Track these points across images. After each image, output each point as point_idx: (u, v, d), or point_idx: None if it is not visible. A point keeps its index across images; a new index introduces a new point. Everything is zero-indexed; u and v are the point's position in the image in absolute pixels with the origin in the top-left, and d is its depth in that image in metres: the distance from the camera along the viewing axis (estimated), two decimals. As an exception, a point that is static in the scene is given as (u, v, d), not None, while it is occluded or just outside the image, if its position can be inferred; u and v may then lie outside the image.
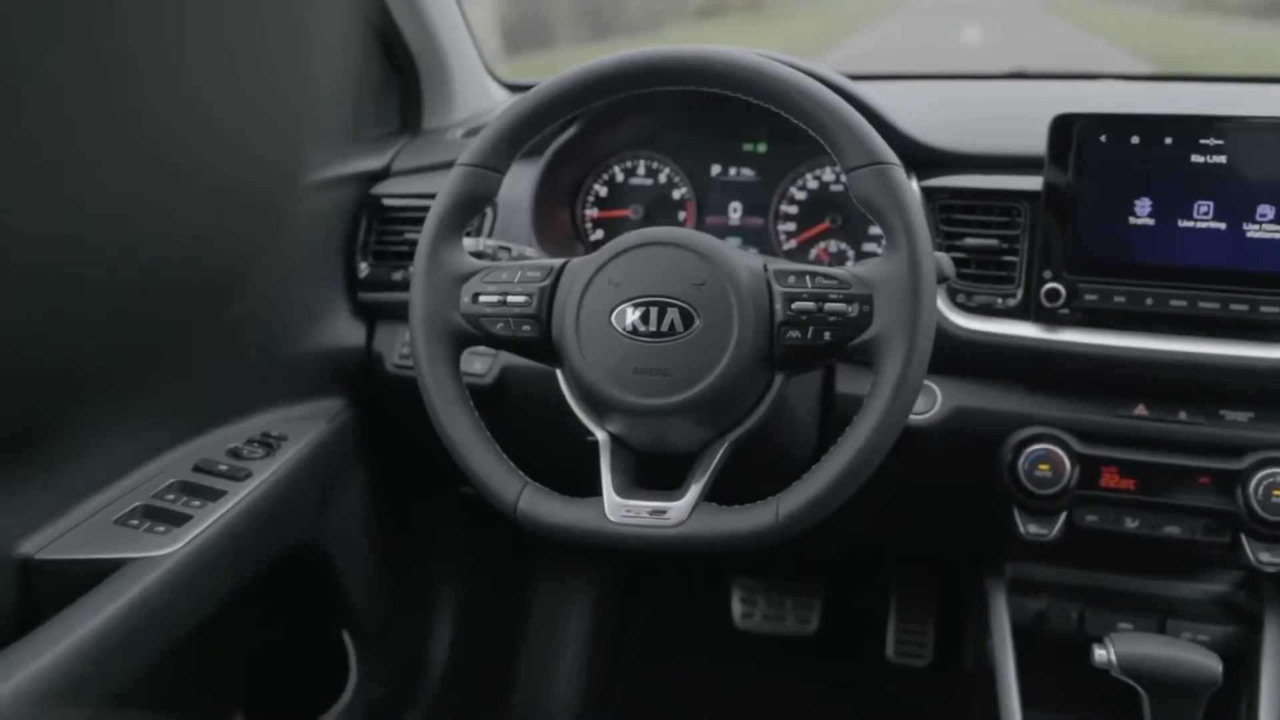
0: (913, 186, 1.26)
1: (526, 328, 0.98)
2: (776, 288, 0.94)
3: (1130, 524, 1.19)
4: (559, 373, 1.01)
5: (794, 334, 0.93)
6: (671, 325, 0.93)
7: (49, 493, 1.05)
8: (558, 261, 1.01)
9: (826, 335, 0.92)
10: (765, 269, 0.96)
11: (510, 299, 0.99)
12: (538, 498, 0.97)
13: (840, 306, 0.92)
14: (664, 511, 0.93)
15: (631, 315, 0.94)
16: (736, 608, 1.92)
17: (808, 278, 0.94)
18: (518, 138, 1.02)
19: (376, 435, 1.47)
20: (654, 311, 0.94)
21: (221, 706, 1.39)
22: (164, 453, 1.18)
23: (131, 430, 1.14)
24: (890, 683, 1.81)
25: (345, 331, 1.43)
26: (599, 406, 0.97)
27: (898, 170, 0.93)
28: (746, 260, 0.96)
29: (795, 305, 0.93)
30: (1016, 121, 1.26)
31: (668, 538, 0.93)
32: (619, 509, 0.95)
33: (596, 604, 1.90)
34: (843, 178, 0.96)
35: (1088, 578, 1.30)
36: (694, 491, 0.94)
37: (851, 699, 1.81)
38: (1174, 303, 1.15)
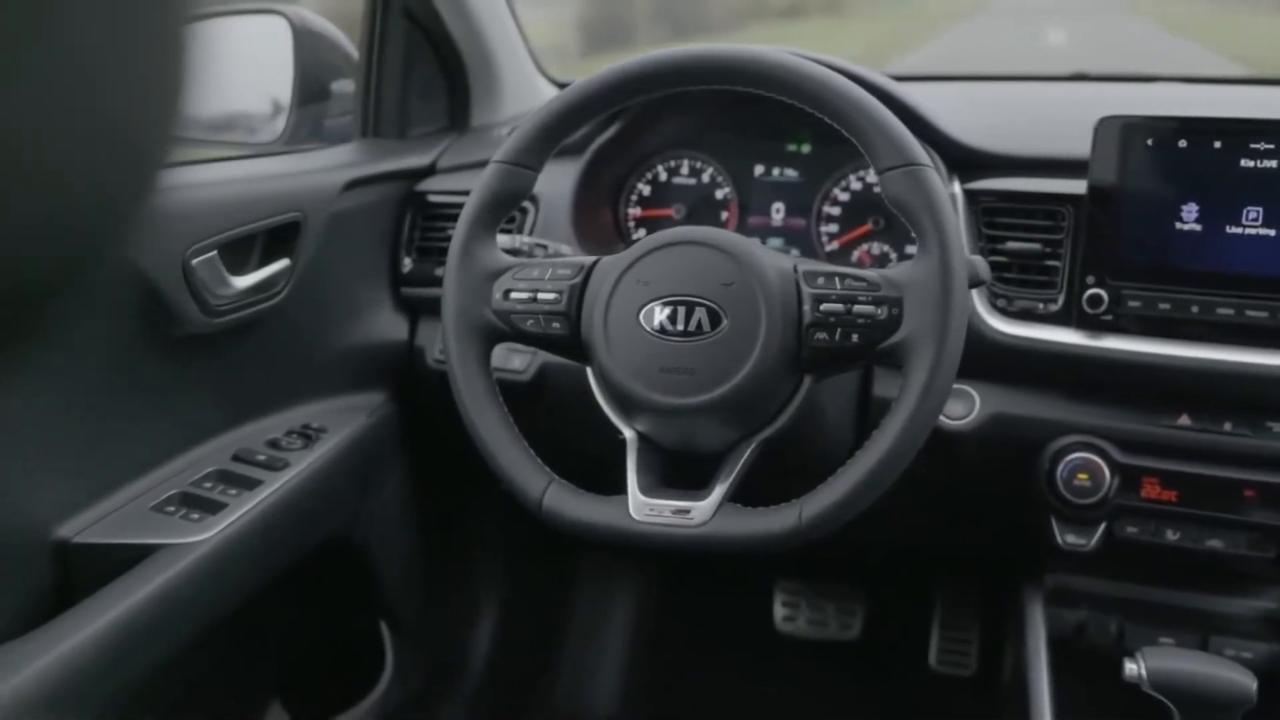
0: (954, 189, 1.24)
1: (556, 325, 0.99)
2: (805, 289, 0.93)
3: (1171, 536, 1.17)
4: (589, 370, 1.01)
5: (821, 335, 0.92)
6: (699, 325, 0.93)
7: (88, 477, 1.07)
8: (588, 259, 1.01)
9: (854, 338, 0.91)
10: (795, 269, 0.95)
11: (541, 296, 0.99)
12: (563, 494, 0.97)
13: (869, 309, 0.91)
14: (688, 511, 0.93)
15: (659, 314, 0.94)
16: (779, 611, 1.91)
17: (837, 279, 0.93)
18: (552, 136, 1.02)
19: (417, 430, 1.49)
20: (681, 311, 0.94)
21: (259, 693, 1.42)
22: (204, 441, 1.20)
23: (172, 418, 1.16)
24: (933, 692, 1.79)
25: (388, 326, 1.45)
26: (626, 405, 0.98)
27: (930, 172, 0.92)
28: (776, 260, 0.96)
29: (824, 307, 0.92)
30: (1066, 124, 1.24)
31: (690, 537, 0.93)
32: (643, 507, 0.95)
33: (639, 604, 1.90)
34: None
35: (1129, 590, 1.27)
36: (718, 492, 0.94)
37: (893, 707, 1.79)
38: (1221, 310, 1.12)
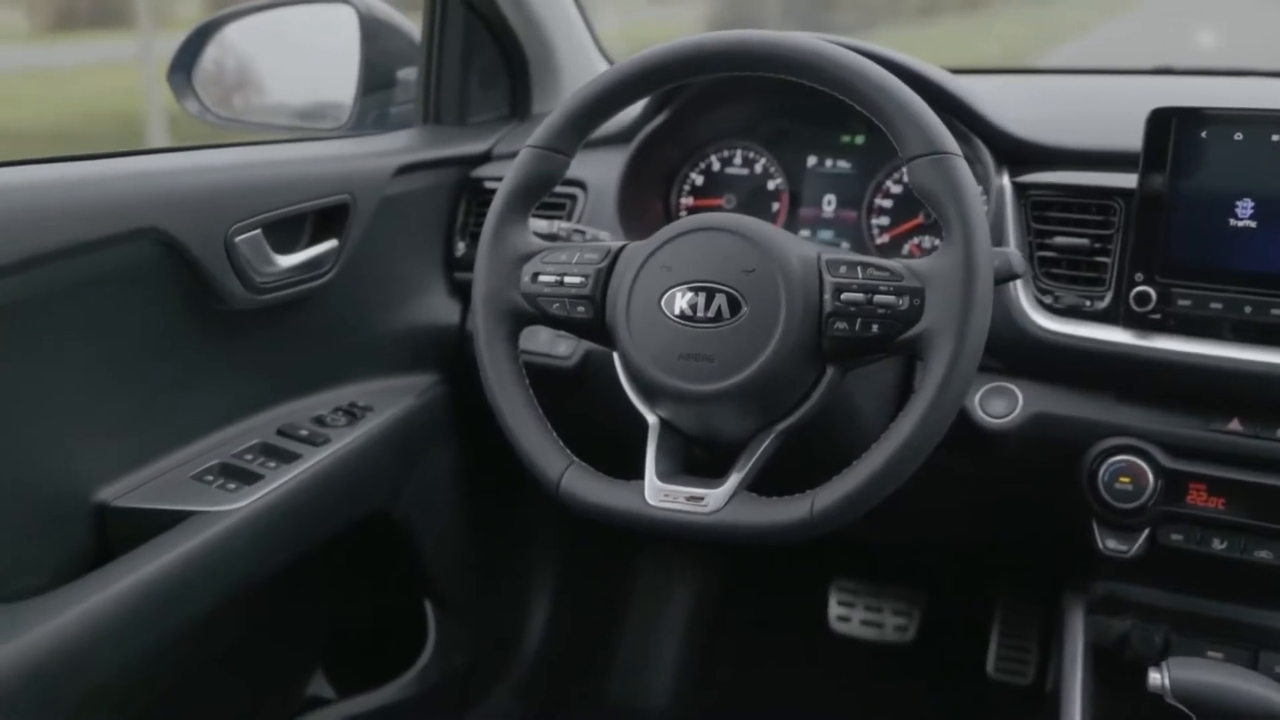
0: (1003, 182, 1.21)
1: (581, 309, 1.00)
2: (828, 277, 0.93)
3: (1218, 546, 1.12)
4: (615, 355, 1.02)
5: (841, 325, 0.92)
6: (719, 311, 0.94)
7: (131, 444, 1.11)
8: (616, 244, 1.02)
9: (874, 328, 0.91)
10: (818, 258, 0.94)
11: (567, 280, 1.00)
12: (581, 477, 0.98)
13: (890, 299, 0.90)
14: (702, 498, 0.94)
15: (680, 300, 0.95)
16: (833, 610, 1.89)
17: (859, 268, 0.92)
18: (583, 121, 1.04)
19: (468, 412, 1.51)
20: (702, 297, 0.94)
21: (303, 660, 1.46)
22: (250, 415, 1.24)
23: (218, 391, 1.20)
24: (988, 699, 1.74)
25: (440, 309, 1.47)
26: (647, 390, 0.99)
27: (958, 161, 0.91)
28: (800, 248, 0.95)
29: (844, 296, 0.92)
30: (1128, 118, 1.19)
31: (701, 524, 0.93)
32: (658, 493, 0.95)
33: (695, 598, 1.89)
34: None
35: (1176, 600, 1.22)
36: (733, 480, 0.94)
37: (947, 712, 1.75)
38: (1275, 311, 1.07)
